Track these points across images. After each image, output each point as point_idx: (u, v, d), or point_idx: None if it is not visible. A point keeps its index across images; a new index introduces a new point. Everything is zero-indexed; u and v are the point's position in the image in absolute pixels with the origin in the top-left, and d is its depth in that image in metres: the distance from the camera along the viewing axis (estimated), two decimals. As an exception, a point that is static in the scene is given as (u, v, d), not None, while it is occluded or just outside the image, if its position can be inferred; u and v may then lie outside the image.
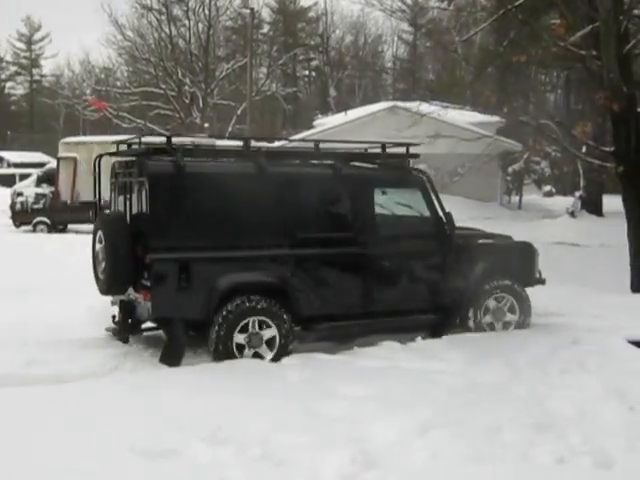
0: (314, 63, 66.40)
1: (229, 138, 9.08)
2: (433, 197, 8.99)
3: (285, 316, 7.97)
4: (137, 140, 8.65)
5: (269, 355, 7.86)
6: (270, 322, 7.89)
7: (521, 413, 5.88)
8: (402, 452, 5.20)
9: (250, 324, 7.82)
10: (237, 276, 7.89)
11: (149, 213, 7.65)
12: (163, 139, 8.13)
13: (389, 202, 8.96)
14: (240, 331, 7.76)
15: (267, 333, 7.90)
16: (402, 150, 9.21)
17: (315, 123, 39.55)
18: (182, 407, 6.07)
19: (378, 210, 8.76)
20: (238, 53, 53.53)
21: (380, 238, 8.62)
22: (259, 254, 8.03)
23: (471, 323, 9.18)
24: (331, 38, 63.25)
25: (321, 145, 8.88)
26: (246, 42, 52.45)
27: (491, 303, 9.27)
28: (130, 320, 8.64)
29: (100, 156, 8.63)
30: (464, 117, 31.97)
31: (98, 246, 8.19)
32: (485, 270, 9.21)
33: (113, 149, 8.83)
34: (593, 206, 26.00)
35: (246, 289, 7.86)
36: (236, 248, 7.90)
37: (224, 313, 7.69)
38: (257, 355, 7.86)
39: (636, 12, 13.80)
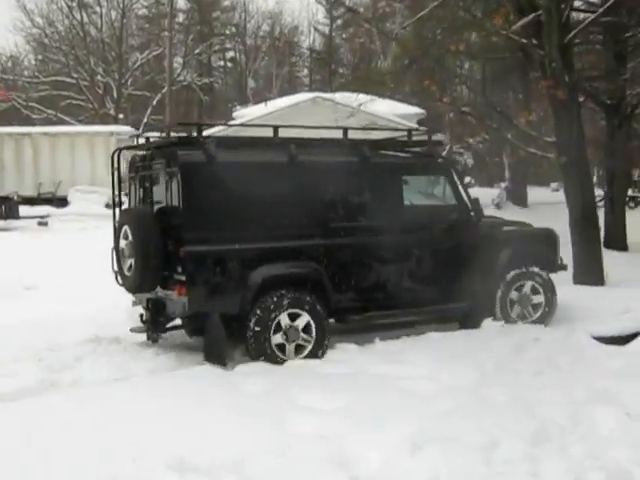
0: (230, 54, 65.41)
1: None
2: (459, 184, 8.92)
3: (321, 308, 7.78)
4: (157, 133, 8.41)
5: (308, 347, 7.68)
6: (307, 315, 7.69)
7: (512, 423, 5.39)
8: (397, 476, 4.66)
9: (287, 317, 7.62)
10: (274, 268, 7.70)
11: (182, 205, 7.42)
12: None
13: (417, 190, 8.93)
14: (277, 325, 7.58)
15: (301, 324, 7.69)
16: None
17: (235, 114, 38.65)
18: (136, 430, 5.40)
19: (407, 198, 8.65)
20: (152, 42, 52.24)
21: (410, 226, 8.50)
22: (294, 245, 7.87)
23: (498, 311, 9.07)
24: (247, 28, 62.48)
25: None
26: (160, 31, 51.32)
27: (518, 291, 9.20)
28: (160, 319, 8.25)
29: (119, 150, 8.36)
30: (387, 108, 31.86)
31: (123, 242, 7.89)
32: (512, 258, 9.14)
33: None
34: (518, 197, 26.06)
35: (282, 281, 7.71)
36: (270, 239, 7.72)
37: (261, 306, 7.51)
38: (299, 347, 7.68)
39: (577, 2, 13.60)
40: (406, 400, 6.09)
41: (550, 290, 9.32)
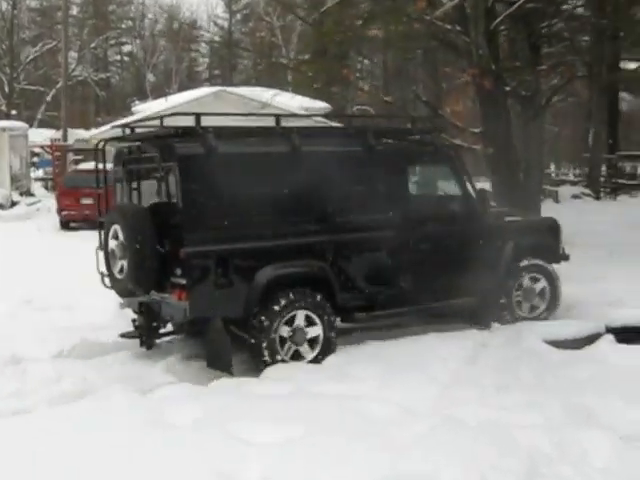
0: (127, 48, 63.39)
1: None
2: (463, 174, 8.51)
3: (328, 308, 7.37)
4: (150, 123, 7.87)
5: (311, 354, 7.25)
6: (313, 316, 7.28)
7: (496, 456, 4.65)
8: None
9: (293, 318, 7.17)
10: (279, 268, 7.20)
11: (181, 202, 6.86)
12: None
13: (421, 180, 8.62)
14: (284, 328, 7.12)
15: (311, 329, 7.28)
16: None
17: (135, 109, 37.24)
18: None
19: (412, 189, 8.34)
20: (45, 36, 50.00)
21: (417, 220, 8.08)
22: (300, 242, 7.37)
23: (505, 305, 8.67)
24: (144, 22, 60.67)
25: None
26: (54, 24, 49.15)
27: (524, 283, 8.83)
28: (154, 324, 7.79)
29: (105, 142, 7.75)
30: (294, 102, 31.11)
31: (113, 243, 7.34)
32: (518, 249, 8.74)
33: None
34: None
35: (288, 281, 7.24)
36: (275, 236, 7.21)
37: (266, 309, 7.03)
38: (297, 354, 7.22)
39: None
40: (368, 428, 5.23)
41: (555, 282, 8.97)
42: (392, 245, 7.89)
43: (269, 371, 6.90)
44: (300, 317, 7.21)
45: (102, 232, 7.63)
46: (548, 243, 9.23)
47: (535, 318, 8.71)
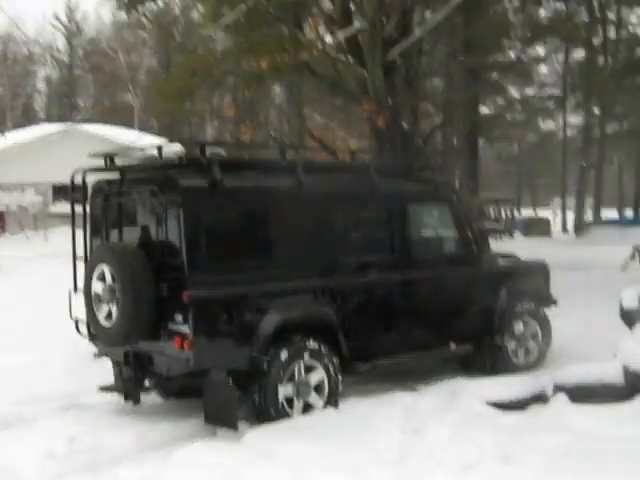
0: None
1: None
2: (462, 214, 8.36)
3: (333, 358, 6.89)
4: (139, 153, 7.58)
5: (319, 403, 6.77)
6: (318, 366, 6.79)
7: None
8: None
9: (297, 370, 6.68)
10: (287, 313, 6.69)
11: (184, 241, 6.28)
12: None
13: (422, 221, 8.25)
14: (288, 380, 6.63)
15: (314, 378, 6.80)
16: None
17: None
18: None
19: (413, 230, 7.98)
20: None
21: (418, 262, 7.80)
22: (306, 286, 6.96)
23: (499, 352, 8.42)
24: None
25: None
26: None
27: (519, 328, 8.61)
28: (143, 376, 6.97)
29: (84, 172, 7.02)
30: (144, 141, 29.88)
31: (99, 286, 6.62)
32: (512, 294, 8.52)
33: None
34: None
35: (295, 329, 6.73)
36: (282, 279, 6.75)
37: (273, 359, 6.50)
38: (307, 406, 6.74)
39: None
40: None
41: (547, 327, 8.82)
42: (394, 289, 7.58)
43: (193, 453, 5.78)
44: (302, 368, 6.70)
45: (84, 273, 6.84)
46: (540, 287, 9.07)
47: (528, 364, 8.53)
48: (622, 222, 39.28)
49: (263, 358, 6.44)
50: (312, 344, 6.74)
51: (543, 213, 50.01)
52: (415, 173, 8.72)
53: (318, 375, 6.79)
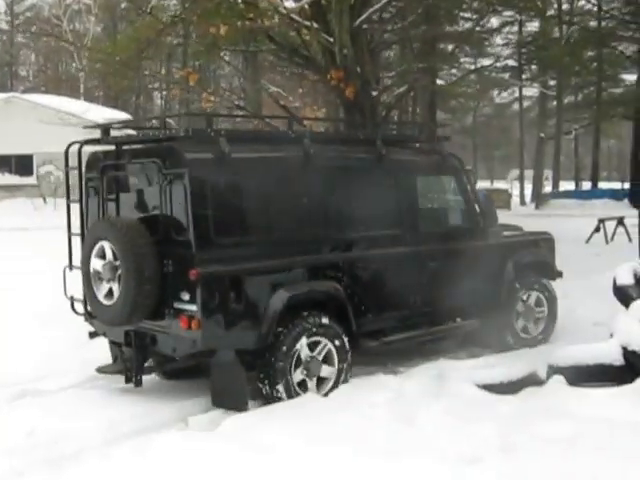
0: None
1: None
2: (467, 185, 8.13)
3: (343, 334, 6.72)
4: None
5: (330, 383, 6.62)
6: (328, 343, 6.62)
7: None
8: None
9: (307, 348, 6.50)
10: (297, 289, 6.52)
11: (191, 216, 6.06)
12: None
13: (429, 192, 8.16)
14: (298, 358, 6.45)
15: (324, 355, 6.64)
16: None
17: None
18: None
19: (421, 202, 7.85)
20: None
21: (427, 235, 7.63)
22: (315, 260, 6.79)
23: (507, 326, 8.31)
24: None
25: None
26: None
27: (526, 301, 8.50)
28: (145, 357, 6.75)
29: (80, 144, 6.86)
30: (92, 112, 29.16)
31: (97, 262, 6.45)
32: (519, 266, 8.38)
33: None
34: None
35: (304, 305, 6.57)
36: (290, 253, 6.58)
37: (282, 337, 6.33)
38: (319, 382, 6.60)
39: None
40: None
41: (553, 300, 8.69)
42: (404, 262, 7.43)
43: (170, 455, 5.24)
44: (313, 345, 6.54)
45: (82, 251, 6.67)
46: (546, 259, 8.92)
47: (534, 339, 8.43)
48: (580, 194, 39.67)
49: (273, 336, 6.28)
50: (322, 320, 6.57)
51: (500, 186, 50.17)
52: (421, 144, 8.54)
53: (328, 352, 6.63)
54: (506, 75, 37.95)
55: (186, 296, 6.05)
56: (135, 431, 5.91)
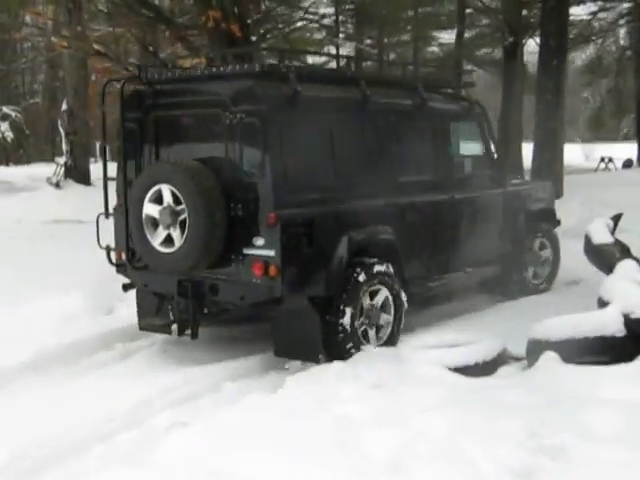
0: None
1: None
2: (490, 133, 8.41)
3: (398, 280, 6.70)
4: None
5: (387, 329, 6.62)
6: (385, 290, 6.57)
7: None
8: None
9: (369, 296, 6.45)
10: (361, 234, 6.42)
11: (268, 158, 5.82)
12: None
13: (460, 139, 8.03)
14: (361, 308, 6.36)
15: (383, 302, 6.60)
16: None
17: None
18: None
19: (455, 149, 7.94)
20: None
21: (460, 181, 7.79)
22: (376, 205, 6.69)
23: (521, 273, 8.54)
24: None
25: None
26: None
27: (535, 248, 8.75)
28: (202, 307, 6.40)
29: (123, 82, 6.50)
30: None
31: (153, 208, 6.10)
32: (530, 214, 8.66)
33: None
34: (80, 174, 21.95)
35: (366, 250, 6.48)
36: (354, 197, 6.45)
37: (349, 283, 6.24)
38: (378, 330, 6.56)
39: None
40: None
41: (557, 248, 8.94)
42: (446, 209, 7.54)
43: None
44: (374, 293, 6.50)
45: (130, 195, 6.38)
46: (551, 207, 9.16)
47: (538, 285, 8.67)
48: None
49: (342, 282, 6.20)
50: (383, 267, 6.53)
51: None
52: (451, 89, 8.63)
53: (385, 299, 6.59)
54: (321, 33, 37.11)
55: (260, 241, 5.88)
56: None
